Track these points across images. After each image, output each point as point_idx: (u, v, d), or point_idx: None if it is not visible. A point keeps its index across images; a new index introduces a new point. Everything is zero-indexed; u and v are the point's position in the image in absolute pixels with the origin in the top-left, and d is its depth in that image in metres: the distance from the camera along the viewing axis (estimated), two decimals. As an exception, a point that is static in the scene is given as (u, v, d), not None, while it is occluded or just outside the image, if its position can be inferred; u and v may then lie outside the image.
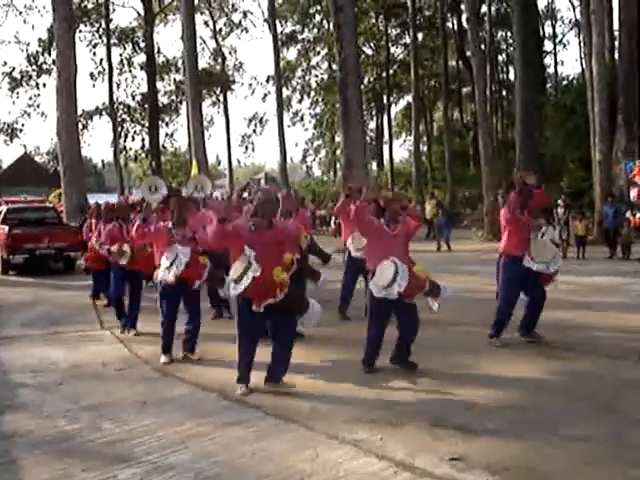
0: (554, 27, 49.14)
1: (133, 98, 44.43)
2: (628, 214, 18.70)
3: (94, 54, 42.44)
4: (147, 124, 43.31)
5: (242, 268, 6.38)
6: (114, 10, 43.78)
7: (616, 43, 29.51)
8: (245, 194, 12.83)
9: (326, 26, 46.31)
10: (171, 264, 7.81)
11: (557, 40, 49.72)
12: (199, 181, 17.15)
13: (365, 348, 7.44)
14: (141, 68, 43.49)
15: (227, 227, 6.55)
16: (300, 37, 50.18)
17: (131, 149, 44.76)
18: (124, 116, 44.04)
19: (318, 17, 48.57)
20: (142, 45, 42.68)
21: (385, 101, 49.20)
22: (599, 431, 5.31)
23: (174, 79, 46.96)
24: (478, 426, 5.49)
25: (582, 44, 33.23)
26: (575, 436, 5.25)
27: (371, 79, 49.30)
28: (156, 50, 43.50)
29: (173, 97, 47.36)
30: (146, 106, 43.12)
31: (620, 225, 18.96)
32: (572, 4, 46.76)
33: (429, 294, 7.43)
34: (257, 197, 6.81)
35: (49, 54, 39.32)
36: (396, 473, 4.65)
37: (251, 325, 6.60)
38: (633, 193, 18.90)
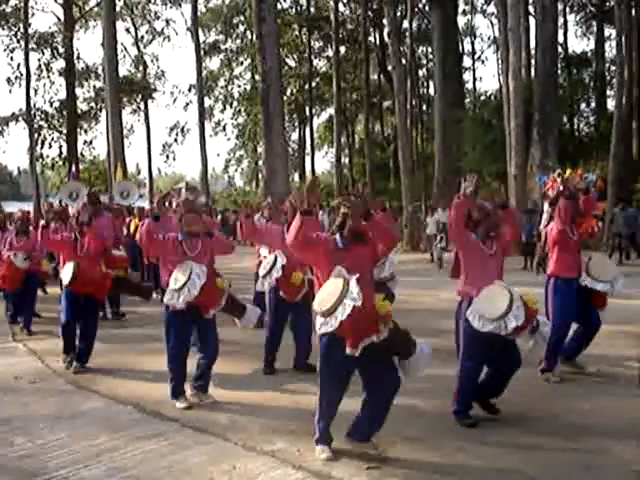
0: (473, 44, 50.30)
1: (51, 104, 43.32)
2: (542, 227, 19.21)
3: (11, 59, 41.32)
4: (65, 131, 42.36)
5: (335, 296, 4.82)
6: (33, 14, 42.69)
7: (532, 61, 30.45)
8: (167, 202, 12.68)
9: (249, 36, 46.28)
10: (182, 286, 6.42)
11: (476, 56, 50.89)
12: (125, 187, 16.79)
13: (459, 393, 6.02)
14: (60, 74, 42.49)
15: (313, 235, 5.30)
16: (223, 47, 50.01)
17: (48, 156, 43.68)
18: (41, 122, 42.91)
19: (241, 27, 48.47)
20: (61, 51, 41.71)
21: (308, 113, 49.39)
22: (511, 436, 5.43)
23: (94, 86, 46.03)
24: (394, 434, 5.55)
25: (500, 61, 34.08)
26: (488, 442, 5.37)
27: (294, 90, 49.45)
28: (76, 56, 42.58)
29: (93, 104, 46.39)
30: (64, 113, 42.16)
31: (536, 237, 19.48)
32: (491, 22, 48.03)
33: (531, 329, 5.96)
34: (344, 202, 5.33)
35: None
36: (313, 484, 4.66)
37: (342, 373, 5.15)
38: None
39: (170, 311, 6.67)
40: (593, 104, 39.75)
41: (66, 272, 8.11)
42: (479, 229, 6.02)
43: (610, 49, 39.80)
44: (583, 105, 40.07)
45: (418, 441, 5.44)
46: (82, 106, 45.44)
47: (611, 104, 34.87)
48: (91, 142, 46.48)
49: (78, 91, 44.05)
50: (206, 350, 6.78)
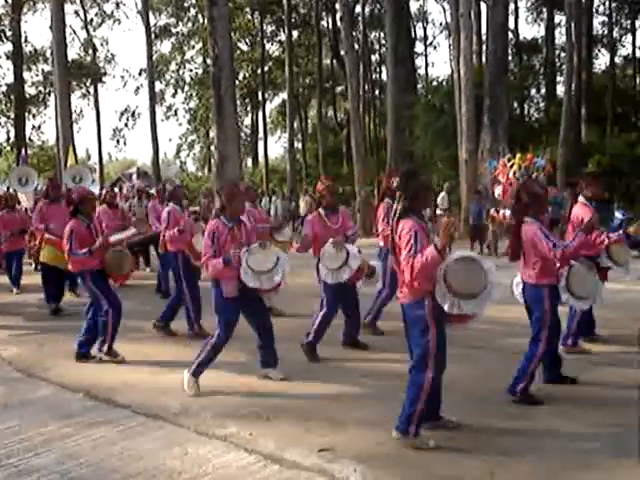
0: (425, 29, 50.67)
1: (-2, 88, 42.62)
2: (492, 211, 19.45)
3: (-44, 42, 40.46)
4: (13, 116, 41.60)
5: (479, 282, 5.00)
6: (-21, -3, 41.83)
7: (483, 47, 30.70)
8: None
9: (201, 20, 45.86)
10: (268, 270, 6.41)
11: (428, 42, 51.20)
12: (78, 172, 16.46)
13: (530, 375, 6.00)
14: (7, 57, 41.70)
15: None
16: (174, 30, 49.55)
17: (-5, 142, 42.96)
18: (-12, 107, 42.20)
19: (193, 11, 48.02)
20: (8, 34, 40.89)
21: (260, 98, 49.22)
22: (463, 417, 5.50)
23: (42, 70, 45.31)
24: (346, 417, 5.59)
25: (451, 47, 34.27)
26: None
27: (246, 75, 49.23)
28: (23, 39, 41.80)
29: (41, 88, 45.68)
30: (12, 97, 41.41)
31: (485, 222, 19.70)
32: (443, 7, 48.29)
33: None
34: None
35: None
36: (265, 466, 4.68)
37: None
38: (497, 191, 19.70)
39: (225, 298, 6.48)
40: (543, 90, 40.25)
41: None
42: (531, 212, 6.00)
43: (560, 36, 40.29)
44: (533, 91, 40.56)
45: (369, 424, 5.48)
46: (30, 90, 44.76)
47: (561, 90, 35.30)
48: (39, 127, 45.91)
49: (26, 75, 43.36)
50: (264, 333, 6.83)
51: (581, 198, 7.71)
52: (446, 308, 4.84)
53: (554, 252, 5.79)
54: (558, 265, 6.16)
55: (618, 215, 17.51)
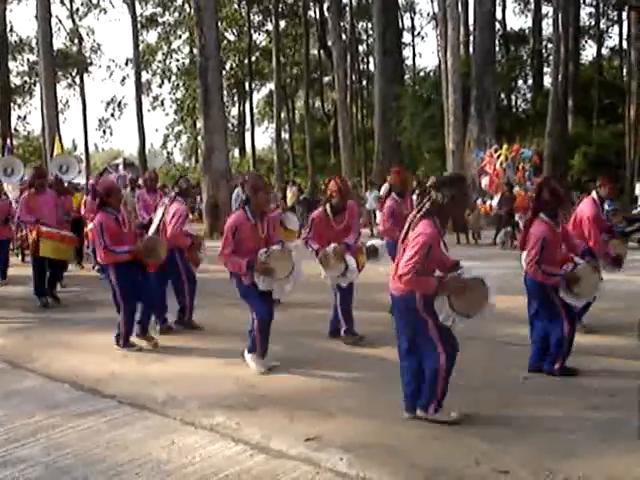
0: (413, 20, 50.64)
1: (-18, 78, 42.28)
2: (479, 201, 19.52)
3: (-60, 31, 40.05)
4: (-3, 106, 41.34)
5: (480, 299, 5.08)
6: (-38, -15, 41.47)
7: (471, 37, 30.71)
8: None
9: (187, 9, 45.67)
10: (285, 277, 6.50)
11: (416, 32, 51.21)
12: (65, 162, 16.24)
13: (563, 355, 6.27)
14: (-8, 47, 41.40)
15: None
16: (161, 20, 49.27)
17: (-20, 132, 42.63)
18: (-28, 97, 41.85)
19: (179, 0, 47.80)
20: (-7, 23, 40.60)
21: (247, 88, 49.08)
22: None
23: (28, 59, 45.10)
24: (333, 406, 5.60)
25: (439, 37, 34.29)
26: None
27: (233, 65, 49.06)
28: (9, 29, 41.49)
29: (26, 78, 45.43)
30: (-4, 87, 41.13)
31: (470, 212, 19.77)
32: (430, -2, 48.21)
33: None
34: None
35: None
36: (251, 456, 4.67)
37: None
38: (484, 181, 19.80)
39: (247, 285, 6.53)
40: (530, 81, 40.39)
41: None
42: (547, 210, 6.23)
43: (547, 27, 40.44)
44: (520, 82, 40.72)
45: (356, 413, 5.50)
46: (15, 80, 44.48)
47: (548, 81, 35.50)
48: (25, 117, 45.71)
49: (11, 65, 43.06)
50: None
51: (593, 193, 7.89)
52: (441, 319, 4.92)
53: (533, 267, 6.14)
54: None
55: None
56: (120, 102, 50.16)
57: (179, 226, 8.39)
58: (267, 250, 6.36)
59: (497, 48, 33.40)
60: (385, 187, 21.95)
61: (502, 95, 36.20)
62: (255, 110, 52.59)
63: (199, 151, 48.68)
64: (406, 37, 48.84)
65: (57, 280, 11.46)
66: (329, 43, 38.42)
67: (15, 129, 43.49)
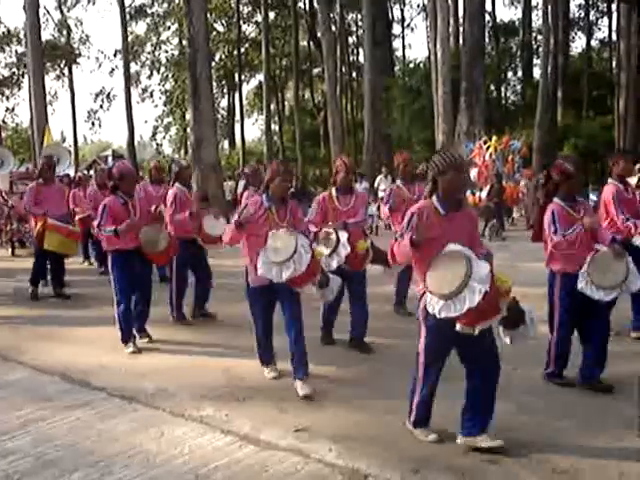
0: (403, 11, 50.51)
1: (-29, 70, 42.13)
2: (468, 193, 19.56)
3: None
4: (-14, 98, 41.18)
5: (459, 277, 4.14)
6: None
7: (461, 29, 30.73)
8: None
9: (176, 0, 45.42)
10: (287, 260, 5.52)
11: (405, 24, 51.09)
12: (56, 152, 16.02)
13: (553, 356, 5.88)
14: (-21, 39, 41.23)
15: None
16: (149, 11, 49.04)
17: (-32, 124, 42.51)
18: (-40, 88, 41.70)
19: (169, -10, 47.58)
20: (-20, 14, 40.44)
21: (236, 79, 48.94)
22: (437, 398, 5.55)
23: (16, 51, 44.85)
24: (323, 398, 5.62)
25: (429, 29, 34.28)
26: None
27: (222, 56, 48.88)
28: (-4, 20, 41.30)
29: (14, 70, 45.17)
30: (-16, 79, 40.97)
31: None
32: (419, -11, 48.16)
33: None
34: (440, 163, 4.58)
35: None
36: (241, 447, 4.69)
37: (445, 352, 4.69)
38: (473, 173, 19.84)
39: (252, 287, 5.97)
40: (520, 73, 40.44)
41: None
42: (560, 192, 5.62)
43: (537, 18, 40.43)
44: (510, 73, 40.80)
45: (346, 404, 5.52)
46: (3, 72, 44.24)
47: (537, 73, 35.46)
48: (13, 109, 45.40)
49: (-1, 56, 42.78)
50: (293, 329, 5.90)
51: (610, 179, 7.30)
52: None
53: (553, 239, 5.54)
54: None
55: (593, 197, 17.66)
56: (109, 94, 50.08)
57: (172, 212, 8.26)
58: (273, 232, 5.75)
59: (487, 40, 33.42)
60: (380, 178, 22.04)
61: (492, 87, 36.25)
62: (245, 101, 52.48)
63: (188, 143, 48.70)
64: (396, 28, 48.90)
65: (61, 275, 10.97)
66: (319, 34, 38.35)
67: (3, 121, 43.40)
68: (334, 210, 7.10)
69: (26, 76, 39.94)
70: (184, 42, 31.40)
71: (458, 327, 4.23)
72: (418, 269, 4.57)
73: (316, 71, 48.89)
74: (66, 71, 47.59)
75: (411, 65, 38.39)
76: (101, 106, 49.90)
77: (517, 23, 42.12)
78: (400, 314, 8.74)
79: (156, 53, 50.80)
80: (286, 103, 54.72)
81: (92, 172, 23.57)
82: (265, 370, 6.29)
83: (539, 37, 37.17)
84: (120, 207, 7.14)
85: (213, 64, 36.96)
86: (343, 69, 45.18)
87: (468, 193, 19.51)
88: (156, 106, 56.49)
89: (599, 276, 5.50)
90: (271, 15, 44.00)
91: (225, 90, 52.40)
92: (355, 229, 7.05)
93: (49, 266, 10.85)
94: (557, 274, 5.75)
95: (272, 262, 5.54)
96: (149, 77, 51.44)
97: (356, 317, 7.26)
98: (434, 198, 4.58)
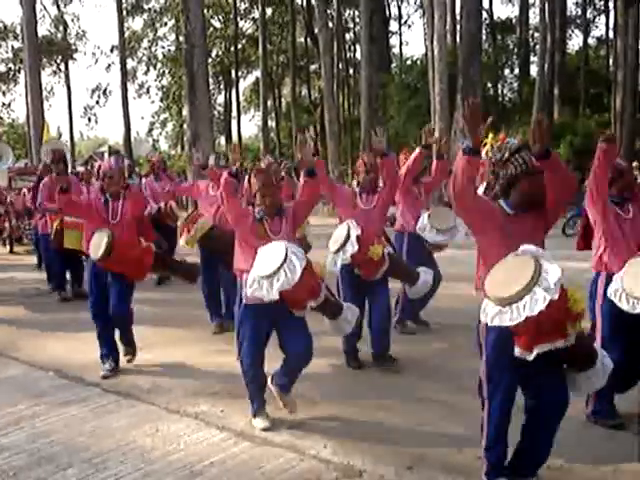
0: (400, 8, 50.32)
1: (-34, 65, 42.06)
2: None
3: None
4: (-18, 93, 41.12)
5: (523, 281, 3.45)
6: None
7: (457, 26, 30.71)
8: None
9: (173, -4, 45.37)
10: (277, 270, 4.61)
11: (402, 21, 50.94)
12: (55, 147, 15.95)
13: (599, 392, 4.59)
14: (-25, 34, 41.15)
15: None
16: (146, 7, 48.86)
17: (-36, 119, 42.46)
18: (-44, 84, 41.62)
19: (165, -13, 47.46)
20: (-24, 10, 40.37)
21: (233, 75, 48.84)
22: (430, 395, 5.56)
23: (12, 46, 44.69)
24: (318, 394, 5.63)
25: (426, 26, 34.25)
26: (409, 398, 5.49)
27: (219, 52, 48.77)
28: (-8, 15, 41.22)
29: (11, 65, 45.08)
30: (-20, 74, 40.90)
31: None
32: (417, -14, 48.05)
33: None
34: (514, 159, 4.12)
35: None
36: (236, 443, 4.71)
37: (511, 382, 3.87)
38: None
39: (245, 304, 5.01)
40: (516, 70, 40.39)
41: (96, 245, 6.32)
42: (611, 190, 4.86)
43: (534, 16, 40.40)
44: (507, 71, 40.73)
45: (341, 401, 5.53)
46: (-1, 67, 44.10)
47: (534, 70, 35.52)
48: (9, 104, 45.34)
49: (-5, 51, 42.73)
50: (295, 354, 5.15)
51: None
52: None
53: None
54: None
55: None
56: (105, 89, 49.88)
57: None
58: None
59: (484, 37, 33.33)
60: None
61: (488, 84, 36.20)
62: (241, 98, 52.32)
63: (184, 139, 48.62)
64: (393, 25, 48.69)
65: (82, 273, 10.05)
66: (316, 31, 38.29)
67: (-1, 116, 43.26)
68: (354, 207, 6.51)
69: (22, 71, 39.84)
70: (181, 38, 31.33)
71: (517, 352, 3.59)
72: (480, 276, 3.92)
73: (313, 67, 48.74)
74: (62, 67, 47.44)
75: (408, 62, 38.29)
76: (97, 102, 49.79)
77: (514, 20, 42.06)
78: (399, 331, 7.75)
79: (153, 49, 50.63)
80: (283, 99, 54.60)
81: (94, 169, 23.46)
82: (254, 420, 5.06)
83: (536, 35, 37.14)
84: (99, 203, 6.52)
85: (210, 60, 36.90)
86: (340, 66, 45.09)
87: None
88: (152, 102, 56.57)
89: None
90: (268, 11, 43.89)
91: (222, 86, 52.23)
92: (371, 230, 6.29)
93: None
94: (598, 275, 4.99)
95: (261, 277, 4.66)
96: (146, 73, 51.28)
97: (377, 333, 6.49)
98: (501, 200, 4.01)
